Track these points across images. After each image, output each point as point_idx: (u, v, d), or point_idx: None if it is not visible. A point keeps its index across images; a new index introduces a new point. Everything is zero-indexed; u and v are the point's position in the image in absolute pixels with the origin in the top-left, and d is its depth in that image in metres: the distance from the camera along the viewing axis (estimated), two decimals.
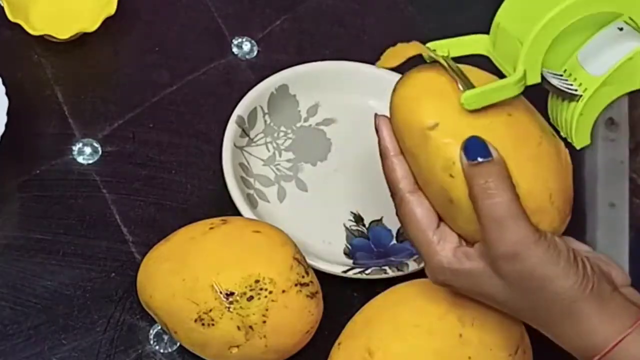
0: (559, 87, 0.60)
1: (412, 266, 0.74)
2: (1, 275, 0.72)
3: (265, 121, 0.82)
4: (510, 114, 0.61)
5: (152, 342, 0.71)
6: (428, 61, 0.64)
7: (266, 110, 0.82)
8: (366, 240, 0.78)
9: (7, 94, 0.74)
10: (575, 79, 0.60)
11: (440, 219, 0.61)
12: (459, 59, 0.63)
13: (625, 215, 0.84)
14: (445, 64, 0.62)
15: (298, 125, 0.83)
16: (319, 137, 0.83)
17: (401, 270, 0.74)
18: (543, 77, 0.60)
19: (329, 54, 0.86)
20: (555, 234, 0.60)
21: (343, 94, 0.84)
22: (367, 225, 0.79)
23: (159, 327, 0.71)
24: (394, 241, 0.78)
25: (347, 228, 0.78)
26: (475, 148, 0.58)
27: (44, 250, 0.73)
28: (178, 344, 0.70)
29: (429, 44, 0.64)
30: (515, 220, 0.57)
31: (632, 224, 0.84)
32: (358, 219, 0.79)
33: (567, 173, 0.63)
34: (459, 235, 0.61)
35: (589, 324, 0.58)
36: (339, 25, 0.90)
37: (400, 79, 0.63)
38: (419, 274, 0.74)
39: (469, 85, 0.60)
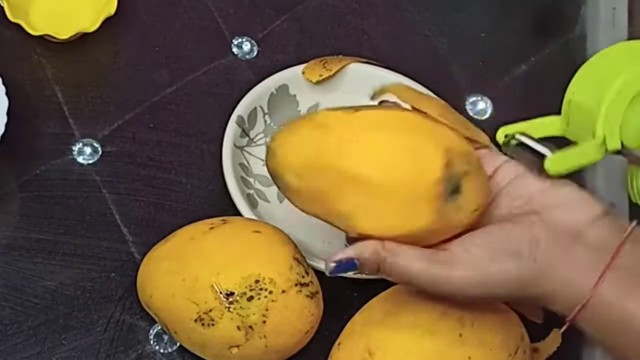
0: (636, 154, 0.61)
1: None
2: (1, 275, 0.72)
3: (265, 121, 0.82)
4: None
5: (152, 342, 0.71)
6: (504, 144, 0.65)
7: (266, 110, 0.82)
8: None
9: (7, 94, 0.74)
10: None
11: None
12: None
13: (625, 215, 0.83)
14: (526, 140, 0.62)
15: None
16: None
17: None
18: (622, 144, 0.60)
19: (329, 54, 0.86)
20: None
21: (343, 94, 0.84)
22: None
23: (159, 327, 0.71)
24: None
25: None
26: (344, 269, 0.61)
27: (44, 250, 0.73)
28: (178, 344, 0.70)
29: (502, 130, 0.65)
30: (415, 270, 0.59)
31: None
32: None
33: None
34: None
35: (555, 295, 0.58)
36: (339, 25, 0.90)
37: None
38: None
39: (550, 149, 0.60)
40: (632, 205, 0.84)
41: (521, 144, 0.63)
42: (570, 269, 0.57)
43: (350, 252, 0.60)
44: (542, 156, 0.61)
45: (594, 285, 0.56)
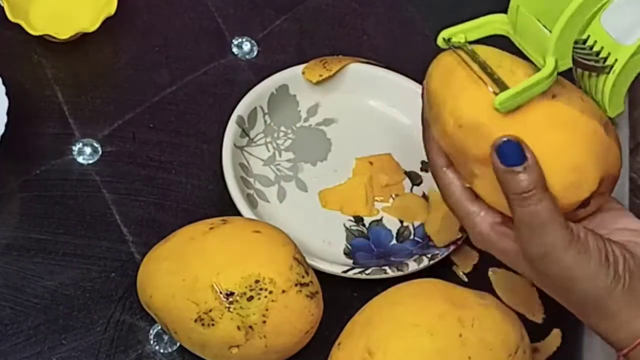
0: (587, 62, 0.58)
1: (412, 266, 0.74)
2: (1, 275, 0.72)
3: (265, 121, 0.82)
4: (554, 95, 0.59)
5: (152, 342, 0.71)
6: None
7: (266, 110, 0.82)
8: (366, 240, 0.78)
9: (7, 94, 0.74)
10: (602, 48, 0.58)
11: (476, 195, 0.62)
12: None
13: None
14: (469, 62, 0.60)
15: (298, 125, 0.83)
16: (319, 137, 0.83)
17: (401, 270, 0.74)
18: (573, 59, 0.59)
19: (329, 54, 0.86)
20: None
21: (343, 94, 0.84)
22: (367, 226, 0.79)
23: (159, 327, 0.71)
24: (394, 241, 0.78)
25: (347, 228, 0.78)
26: (509, 153, 0.57)
27: (44, 250, 0.73)
28: (178, 344, 0.70)
29: (442, 33, 0.63)
30: (546, 226, 0.57)
31: None
32: (358, 219, 0.79)
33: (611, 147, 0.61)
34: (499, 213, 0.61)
35: (617, 321, 0.58)
36: (339, 25, 0.90)
37: (434, 68, 0.63)
38: (419, 274, 0.74)
39: (500, 85, 0.58)
40: (632, 205, 0.84)
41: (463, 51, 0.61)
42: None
43: (531, 154, 0.57)
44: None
45: None
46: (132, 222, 0.76)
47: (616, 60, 0.57)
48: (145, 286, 0.69)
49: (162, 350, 0.71)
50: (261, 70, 0.84)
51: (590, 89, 0.61)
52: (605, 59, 0.58)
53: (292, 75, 0.83)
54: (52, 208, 0.75)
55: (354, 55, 0.85)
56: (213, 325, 0.65)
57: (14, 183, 0.76)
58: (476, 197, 0.62)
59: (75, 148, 0.78)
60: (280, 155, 0.81)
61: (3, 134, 0.72)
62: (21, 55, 0.82)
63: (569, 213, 0.60)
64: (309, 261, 0.70)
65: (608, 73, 0.58)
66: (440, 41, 0.63)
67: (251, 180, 0.79)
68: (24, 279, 0.72)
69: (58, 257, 0.73)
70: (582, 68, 0.59)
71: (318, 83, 0.83)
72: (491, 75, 0.59)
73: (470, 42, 0.62)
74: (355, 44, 0.89)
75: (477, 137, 0.59)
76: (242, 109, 0.80)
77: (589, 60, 0.59)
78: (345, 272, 0.74)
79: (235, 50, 0.87)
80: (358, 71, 0.84)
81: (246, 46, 0.87)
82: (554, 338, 0.74)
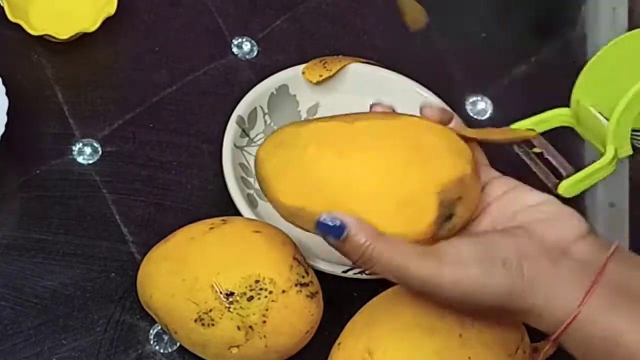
0: None
1: None
2: (1, 275, 0.72)
3: (265, 121, 0.82)
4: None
5: (152, 342, 0.71)
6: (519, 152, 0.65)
7: (266, 110, 0.82)
8: None
9: (7, 94, 0.74)
10: None
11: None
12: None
13: (625, 215, 0.84)
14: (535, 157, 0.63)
15: None
16: None
17: None
18: (632, 146, 0.61)
19: (329, 54, 0.86)
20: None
21: (343, 94, 0.84)
22: None
23: (159, 327, 0.71)
24: None
25: None
26: (328, 227, 0.57)
27: (44, 250, 0.73)
28: (178, 344, 0.70)
29: (514, 125, 0.65)
30: (405, 268, 0.57)
31: (632, 224, 0.84)
32: None
33: None
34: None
35: (538, 309, 0.57)
36: (339, 25, 0.90)
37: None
38: None
39: (568, 171, 0.61)
40: (632, 204, 0.84)
41: (538, 154, 0.63)
42: (557, 285, 0.56)
43: (348, 218, 0.57)
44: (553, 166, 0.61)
45: (580, 302, 0.55)
46: (132, 222, 0.76)
47: None
48: (145, 286, 0.69)
49: (162, 350, 0.71)
50: (261, 70, 0.84)
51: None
52: None
53: (292, 75, 0.83)
54: (52, 208, 0.75)
55: (354, 55, 0.85)
56: (213, 325, 0.65)
57: (14, 183, 0.76)
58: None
59: (75, 148, 0.78)
60: None
61: (3, 134, 0.72)
62: (21, 55, 0.82)
63: (436, 235, 0.59)
64: (309, 261, 0.70)
65: None
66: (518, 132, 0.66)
67: (251, 180, 0.79)
68: (24, 279, 0.72)
69: (58, 257, 0.73)
70: None
71: (318, 83, 0.83)
72: (563, 166, 0.62)
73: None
74: (355, 44, 0.89)
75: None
76: (242, 109, 0.80)
77: None
78: (345, 272, 0.74)
79: (235, 50, 0.87)
80: (358, 71, 0.84)
81: (246, 46, 0.87)
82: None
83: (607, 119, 0.60)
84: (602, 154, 0.61)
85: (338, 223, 0.57)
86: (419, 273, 0.57)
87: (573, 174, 0.60)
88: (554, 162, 0.62)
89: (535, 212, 0.60)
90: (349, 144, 0.58)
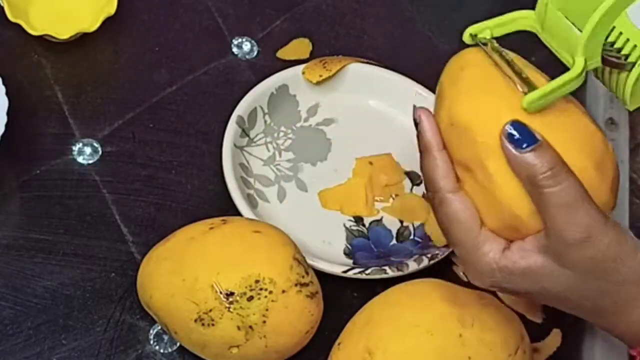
0: (610, 59, 0.57)
1: (412, 266, 0.74)
2: (1, 275, 0.72)
3: (265, 121, 0.82)
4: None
5: (152, 342, 0.71)
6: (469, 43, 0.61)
7: (266, 110, 0.82)
8: (366, 240, 0.78)
9: (7, 94, 0.74)
10: (627, 40, 0.56)
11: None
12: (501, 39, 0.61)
13: (625, 215, 0.84)
14: (498, 61, 0.59)
15: (298, 125, 0.83)
16: (319, 137, 0.83)
17: (401, 270, 0.74)
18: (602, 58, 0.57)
19: (329, 54, 0.86)
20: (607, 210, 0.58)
21: (343, 94, 0.84)
22: (367, 225, 0.79)
23: (159, 327, 0.71)
24: (394, 241, 0.78)
25: (347, 228, 0.78)
26: (521, 135, 0.55)
27: (44, 250, 0.73)
28: (178, 344, 0.70)
29: (469, 29, 0.62)
30: (583, 203, 0.54)
31: (632, 224, 0.84)
32: (358, 219, 0.79)
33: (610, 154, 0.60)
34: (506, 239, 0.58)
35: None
36: (339, 25, 0.90)
37: (451, 63, 0.61)
38: (419, 274, 0.74)
39: (528, 85, 0.57)
40: (632, 205, 0.84)
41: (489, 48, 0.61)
42: None
43: (538, 134, 0.55)
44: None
45: None
46: (132, 222, 0.76)
47: None
48: (145, 286, 0.69)
49: (162, 350, 0.71)
50: (261, 70, 0.84)
51: (610, 84, 0.59)
52: (627, 56, 0.57)
53: (292, 75, 0.83)
54: (52, 208, 0.75)
55: (354, 55, 0.85)
56: (213, 325, 0.65)
57: (14, 183, 0.76)
58: (481, 227, 0.58)
59: (75, 148, 0.78)
60: (280, 155, 0.81)
61: (3, 134, 0.72)
62: (21, 55, 0.82)
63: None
64: (309, 261, 0.70)
65: (630, 70, 0.57)
66: (466, 37, 0.62)
67: (251, 180, 0.79)
68: (24, 279, 0.72)
69: (58, 257, 0.73)
70: (608, 65, 0.58)
71: (318, 83, 0.83)
72: (519, 74, 0.58)
73: (497, 39, 0.61)
74: (355, 44, 0.89)
75: (461, 141, 0.58)
76: (242, 109, 0.80)
77: (611, 56, 0.57)
78: (345, 272, 0.74)
79: (235, 50, 0.87)
80: (358, 71, 0.84)
81: (246, 46, 0.87)
82: (554, 338, 0.74)
83: (578, 28, 0.57)
84: (568, 64, 0.58)
85: (531, 131, 0.55)
86: (589, 220, 0.55)
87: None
88: (507, 73, 0.59)
89: None
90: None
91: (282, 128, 0.82)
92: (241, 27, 0.88)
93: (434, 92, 0.82)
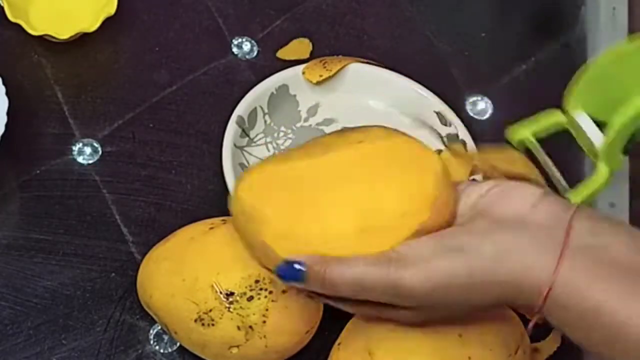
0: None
1: None
2: (1, 275, 0.72)
3: (265, 121, 0.82)
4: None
5: (152, 342, 0.71)
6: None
7: (266, 110, 0.82)
8: None
9: (7, 94, 0.74)
10: None
11: None
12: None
13: (626, 215, 0.83)
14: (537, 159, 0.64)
15: (298, 125, 0.83)
16: None
17: None
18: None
19: (329, 54, 0.86)
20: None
21: (343, 93, 0.84)
22: None
23: (159, 327, 0.71)
24: None
25: None
26: (288, 272, 0.59)
27: (44, 250, 0.73)
28: (178, 344, 0.70)
29: (514, 132, 0.65)
30: (368, 274, 0.57)
31: (632, 224, 0.84)
32: None
33: None
34: None
35: (518, 285, 0.55)
36: (339, 25, 0.90)
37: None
38: None
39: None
40: (632, 205, 0.84)
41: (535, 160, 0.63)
42: (526, 253, 0.55)
43: (301, 257, 0.58)
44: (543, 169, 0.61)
45: (554, 268, 0.54)
46: (132, 222, 0.76)
47: None
48: (145, 286, 0.69)
49: (162, 350, 0.71)
50: (261, 70, 0.84)
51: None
52: None
53: (292, 75, 0.83)
54: (52, 208, 0.75)
55: (354, 55, 0.85)
56: (213, 325, 0.65)
57: (14, 183, 0.76)
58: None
59: (75, 148, 0.78)
60: None
61: (3, 134, 0.72)
62: (21, 55, 0.82)
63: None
64: None
65: None
66: (515, 142, 0.66)
67: None
68: (24, 279, 0.72)
69: (58, 257, 0.73)
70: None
71: (318, 83, 0.83)
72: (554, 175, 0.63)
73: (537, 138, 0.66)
74: (355, 44, 0.89)
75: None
76: (242, 109, 0.80)
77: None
78: None
79: (235, 50, 0.87)
80: (358, 71, 0.84)
81: (246, 46, 0.87)
82: (554, 338, 0.74)
83: (598, 126, 0.60)
84: (593, 162, 0.61)
85: (294, 268, 0.59)
86: (380, 281, 0.56)
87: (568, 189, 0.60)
88: (553, 180, 0.62)
89: (486, 198, 0.59)
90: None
91: (282, 128, 0.82)
92: (241, 27, 0.88)
93: (434, 92, 0.83)
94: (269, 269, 0.63)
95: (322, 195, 0.60)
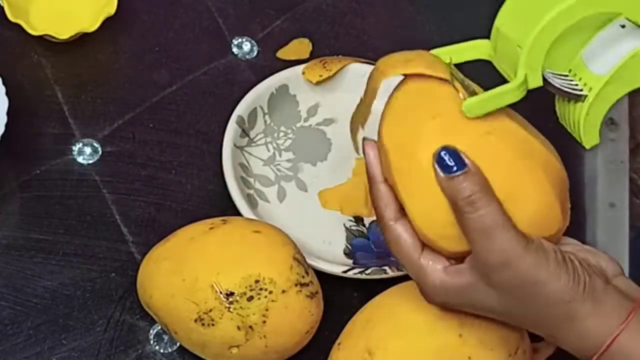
0: (563, 88, 0.60)
1: None
2: (1, 275, 0.72)
3: (265, 121, 0.82)
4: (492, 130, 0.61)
5: (152, 342, 0.71)
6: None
7: (266, 110, 0.82)
8: (366, 240, 0.78)
9: (7, 94, 0.74)
10: (580, 79, 0.60)
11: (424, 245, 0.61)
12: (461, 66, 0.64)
13: (625, 215, 0.84)
14: (449, 73, 0.62)
15: (298, 125, 0.83)
16: (319, 137, 0.83)
17: (401, 270, 0.74)
18: (545, 80, 0.60)
19: (329, 54, 0.86)
20: (560, 233, 0.61)
21: (343, 93, 0.84)
22: (367, 225, 0.79)
23: (159, 327, 0.71)
24: None
25: (347, 228, 0.78)
26: (448, 159, 0.58)
27: (44, 250, 0.73)
28: (178, 344, 0.70)
29: (432, 51, 0.64)
30: (501, 229, 0.57)
31: (632, 224, 0.84)
32: (358, 219, 0.79)
33: (563, 178, 0.62)
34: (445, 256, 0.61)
35: (585, 325, 0.58)
36: (339, 25, 0.90)
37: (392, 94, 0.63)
38: None
39: (471, 93, 0.60)
40: (632, 205, 0.84)
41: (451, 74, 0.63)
42: (606, 304, 0.58)
43: (468, 160, 0.58)
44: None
45: (622, 322, 0.57)
46: (132, 222, 0.76)
47: (591, 89, 0.59)
48: (145, 286, 0.69)
49: (162, 350, 0.71)
50: (261, 70, 0.84)
51: (568, 119, 0.62)
52: (581, 89, 0.60)
53: (292, 75, 0.83)
54: (52, 208, 0.75)
55: (354, 55, 0.85)
56: (213, 325, 0.65)
57: (14, 183, 0.76)
58: (423, 248, 0.61)
59: (75, 148, 0.78)
60: (280, 155, 0.81)
61: (3, 134, 0.72)
62: (21, 55, 0.82)
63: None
64: (309, 261, 0.70)
65: (583, 101, 0.60)
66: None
67: (251, 180, 0.79)
68: (24, 279, 0.72)
69: (58, 257, 0.73)
70: (558, 93, 0.61)
71: (318, 83, 0.83)
72: (467, 87, 0.61)
73: (456, 64, 0.64)
74: (355, 44, 0.89)
75: (384, 163, 0.61)
76: (242, 109, 0.80)
77: (565, 86, 0.60)
78: (345, 272, 0.74)
79: (235, 50, 0.87)
80: (358, 71, 0.84)
81: (246, 46, 0.87)
82: None
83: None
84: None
85: (460, 158, 0.58)
86: (506, 245, 0.57)
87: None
88: (457, 87, 0.62)
89: (580, 250, 0.62)
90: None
91: (282, 128, 0.82)
92: (241, 27, 0.88)
93: None
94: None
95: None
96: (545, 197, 0.59)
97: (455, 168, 0.57)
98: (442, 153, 0.58)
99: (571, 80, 0.60)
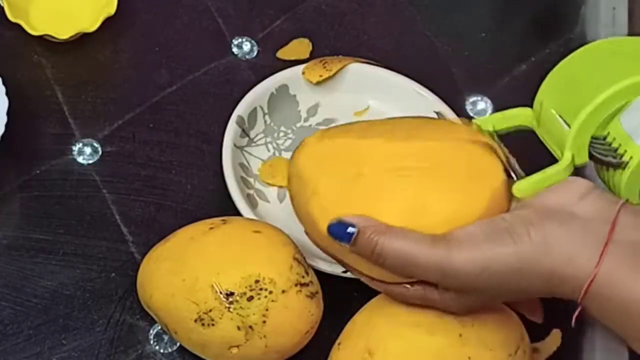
0: (605, 159, 0.60)
1: None
2: (1, 275, 0.72)
3: (265, 121, 0.82)
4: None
5: (152, 342, 0.71)
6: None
7: (266, 110, 0.82)
8: None
9: (7, 94, 0.74)
10: (619, 145, 0.60)
11: None
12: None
13: None
14: (499, 151, 0.62)
15: (298, 125, 0.83)
16: None
17: None
18: (589, 153, 0.60)
19: (329, 54, 0.86)
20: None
21: (343, 93, 0.84)
22: None
23: (159, 327, 0.71)
24: None
25: None
26: (339, 232, 0.60)
27: (44, 250, 0.73)
28: (178, 344, 0.70)
29: (476, 120, 0.65)
30: (417, 250, 0.57)
31: None
32: None
33: None
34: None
35: (562, 275, 0.56)
36: (339, 25, 0.90)
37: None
38: None
39: (518, 173, 0.61)
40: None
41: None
42: (571, 245, 0.56)
43: (354, 219, 0.59)
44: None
45: (597, 260, 0.55)
46: (132, 222, 0.76)
47: (631, 157, 0.59)
48: (145, 286, 0.69)
49: (162, 350, 0.71)
50: (261, 70, 0.84)
51: (607, 181, 0.62)
52: (622, 155, 0.60)
53: (292, 75, 0.83)
54: (52, 208, 0.75)
55: (354, 55, 0.85)
56: (213, 325, 0.65)
57: (14, 183, 0.76)
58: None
59: (75, 148, 0.78)
60: (280, 155, 0.81)
61: (3, 134, 0.72)
62: (21, 55, 0.82)
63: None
64: (309, 261, 0.70)
65: (623, 169, 0.60)
66: (474, 127, 0.66)
67: (251, 180, 0.79)
68: (24, 279, 0.72)
69: (58, 257, 0.73)
70: (599, 163, 0.61)
71: (318, 83, 0.83)
72: (512, 165, 0.62)
73: (497, 132, 0.65)
74: (355, 44, 0.89)
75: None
76: (242, 109, 0.80)
77: (606, 156, 0.60)
78: (345, 272, 0.73)
79: (235, 50, 0.87)
80: (358, 71, 0.84)
81: (246, 46, 0.87)
82: (554, 338, 0.74)
83: (569, 125, 0.60)
84: (559, 158, 0.61)
85: (347, 227, 0.59)
86: (428, 259, 0.57)
87: (524, 177, 0.61)
88: (507, 166, 0.62)
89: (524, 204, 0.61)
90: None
91: (282, 128, 0.82)
92: (241, 27, 0.88)
93: (433, 92, 0.83)
94: (311, 238, 0.64)
95: (376, 183, 0.60)
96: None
97: (347, 237, 0.59)
98: (330, 229, 0.60)
99: (610, 145, 0.60)
